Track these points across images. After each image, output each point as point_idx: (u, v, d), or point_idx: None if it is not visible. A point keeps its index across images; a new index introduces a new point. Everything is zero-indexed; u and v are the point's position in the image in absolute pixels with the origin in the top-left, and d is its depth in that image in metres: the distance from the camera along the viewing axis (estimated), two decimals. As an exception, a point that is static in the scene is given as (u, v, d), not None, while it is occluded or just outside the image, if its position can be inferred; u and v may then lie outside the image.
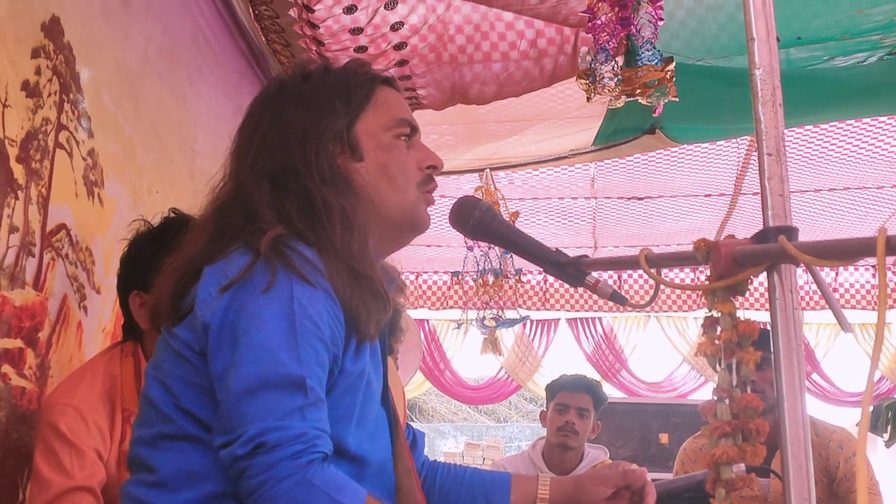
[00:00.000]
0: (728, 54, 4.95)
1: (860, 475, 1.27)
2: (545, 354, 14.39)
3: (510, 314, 8.47)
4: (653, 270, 1.77)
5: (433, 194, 2.32)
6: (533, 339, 14.34)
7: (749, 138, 7.16)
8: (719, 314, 1.65)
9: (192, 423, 1.94)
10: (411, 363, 7.74)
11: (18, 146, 2.71)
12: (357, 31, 4.75)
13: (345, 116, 2.20)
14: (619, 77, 3.88)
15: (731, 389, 1.61)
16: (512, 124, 6.56)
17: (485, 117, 6.22)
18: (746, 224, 9.43)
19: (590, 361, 14.21)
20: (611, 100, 4.00)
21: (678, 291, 12.09)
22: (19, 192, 2.74)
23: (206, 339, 1.91)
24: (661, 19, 3.86)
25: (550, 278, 12.22)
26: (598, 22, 3.88)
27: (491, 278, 8.18)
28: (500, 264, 8.17)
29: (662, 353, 14.63)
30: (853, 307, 11.64)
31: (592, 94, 3.94)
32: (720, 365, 1.64)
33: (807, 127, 7.02)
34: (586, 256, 2.05)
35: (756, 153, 1.68)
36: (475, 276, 8.25)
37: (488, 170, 7.75)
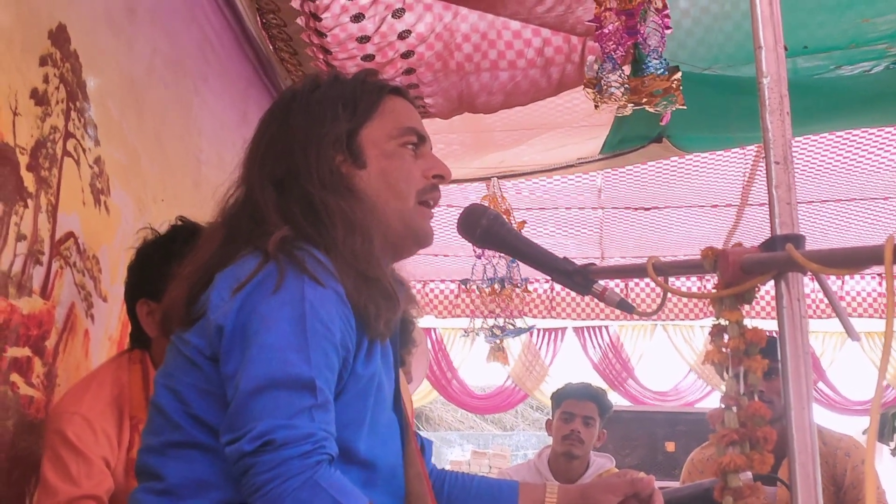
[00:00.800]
0: (734, 63, 4.95)
1: (869, 483, 1.27)
2: (552, 363, 14.38)
3: (517, 323, 8.46)
4: (660, 278, 1.77)
5: (439, 204, 2.32)
6: (540, 348, 14.33)
7: (755, 148, 7.16)
8: (727, 322, 1.65)
9: (202, 430, 1.94)
10: (419, 372, 7.73)
11: (29, 154, 2.72)
12: (364, 39, 4.75)
13: (347, 123, 2.22)
14: (626, 86, 3.88)
15: (739, 397, 1.61)
16: (519, 133, 6.56)
17: (492, 126, 6.22)
18: (753, 235, 9.42)
19: (596, 370, 14.20)
20: (618, 108, 4.00)
21: (685, 300, 12.07)
22: (29, 201, 2.74)
23: (219, 342, 1.91)
24: (669, 28, 3.86)
25: (557, 287, 12.22)
26: (605, 31, 3.88)
27: (498, 287, 8.18)
28: (508, 273, 8.17)
29: (669, 362, 14.62)
30: (860, 315, 11.62)
31: (600, 103, 3.95)
32: (728, 373, 1.64)
33: (813, 137, 7.01)
34: (594, 265, 2.04)
35: (762, 163, 1.68)
36: (484, 285, 8.24)
37: (495, 179, 7.75)
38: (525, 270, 8.27)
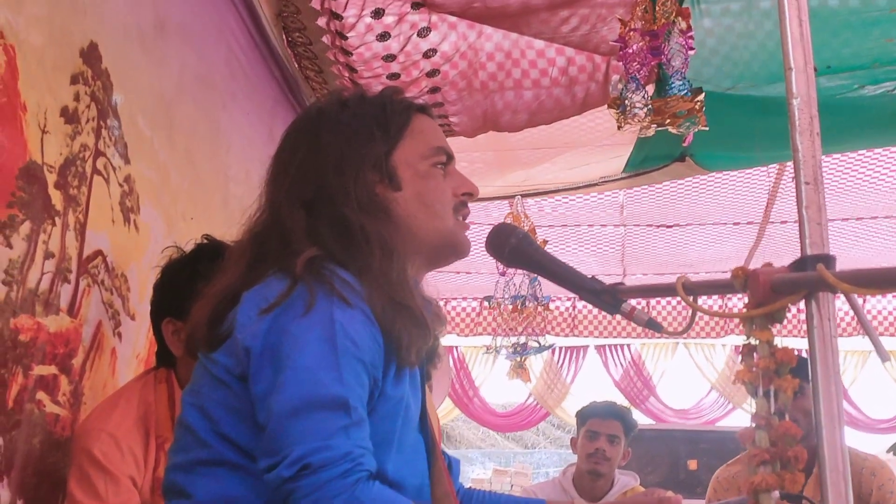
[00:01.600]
0: (758, 82, 4.95)
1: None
2: (573, 381, 14.37)
3: (539, 341, 8.46)
4: (689, 298, 1.77)
5: (467, 220, 2.32)
6: (561, 366, 14.32)
7: (777, 166, 7.16)
8: (757, 342, 1.65)
9: (230, 448, 1.93)
10: (441, 389, 7.73)
11: (57, 172, 2.73)
12: (390, 58, 4.77)
13: (383, 144, 2.20)
14: (650, 107, 3.88)
15: (770, 417, 1.61)
16: (542, 151, 6.57)
17: (516, 144, 6.23)
18: (775, 252, 9.40)
19: (618, 388, 14.19)
20: (641, 129, 4.01)
21: (706, 318, 12.04)
22: (56, 219, 2.75)
23: (247, 362, 1.91)
24: (692, 49, 3.87)
25: (579, 304, 12.21)
26: (629, 51, 3.89)
27: (521, 305, 8.18)
28: (530, 291, 8.17)
29: (690, 380, 14.61)
30: (881, 334, 11.59)
31: (623, 123, 3.95)
32: (758, 393, 1.64)
33: (837, 155, 7.00)
34: (622, 284, 2.05)
35: (785, 181, 1.69)
36: (509, 302, 8.25)
37: (519, 197, 7.76)
38: (547, 288, 8.27)
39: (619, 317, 2.08)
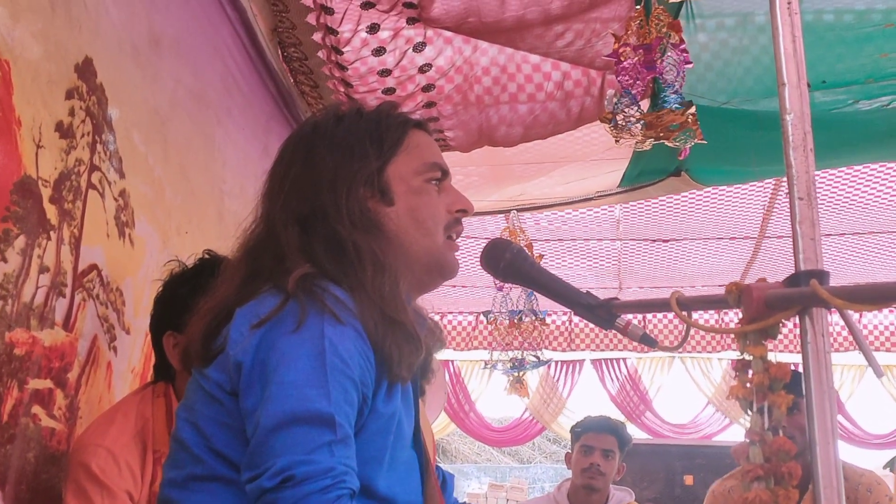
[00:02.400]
0: (753, 97, 4.97)
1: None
2: (570, 395, 14.35)
3: (538, 355, 8.46)
4: (684, 313, 1.77)
5: (460, 237, 2.32)
6: (557, 381, 14.30)
7: (773, 181, 7.17)
8: (751, 357, 1.65)
9: (224, 464, 1.93)
10: (436, 404, 7.74)
11: (52, 187, 2.73)
12: (385, 72, 4.79)
13: (376, 160, 2.20)
14: (643, 122, 3.89)
15: (764, 433, 1.61)
16: (538, 166, 6.58)
17: (511, 159, 6.24)
18: (772, 267, 9.43)
19: (614, 402, 14.17)
20: (636, 143, 4.02)
21: (702, 332, 12.05)
22: (52, 233, 2.75)
23: (238, 378, 1.91)
24: (689, 63, 3.87)
25: (575, 319, 12.22)
26: (623, 66, 3.90)
27: (518, 320, 8.18)
28: (527, 305, 8.18)
29: (687, 395, 14.58)
30: (877, 349, 11.60)
31: (619, 138, 3.96)
32: (752, 408, 1.64)
33: (832, 171, 7.02)
34: (616, 299, 2.05)
35: (781, 196, 1.69)
36: (506, 317, 8.25)
37: (514, 211, 7.77)
38: (543, 303, 8.28)
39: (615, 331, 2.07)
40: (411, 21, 4.61)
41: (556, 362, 13.75)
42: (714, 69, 4.78)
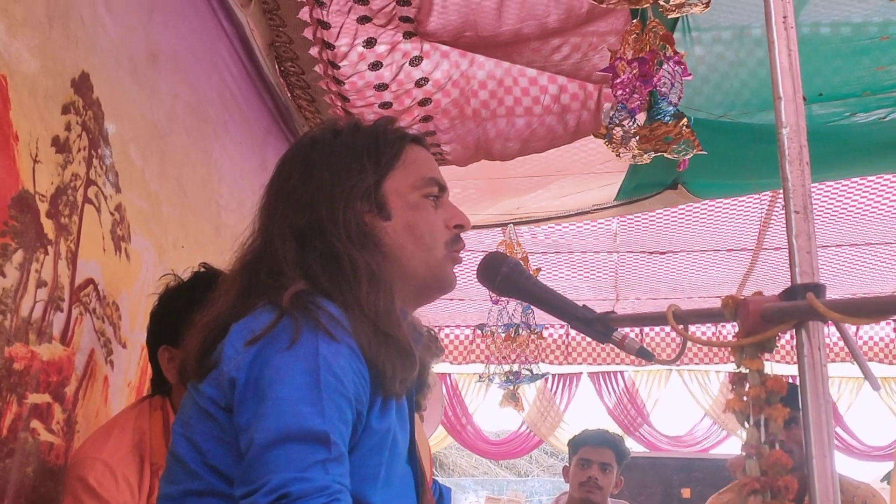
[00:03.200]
0: (750, 110, 4.97)
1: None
2: (567, 409, 14.34)
3: (532, 369, 8.46)
4: (680, 327, 1.77)
5: (460, 253, 2.32)
6: (555, 394, 14.29)
7: (770, 193, 7.17)
8: (747, 370, 1.65)
9: (220, 479, 1.92)
10: (434, 418, 7.72)
11: (48, 201, 2.73)
12: (382, 86, 4.79)
13: (373, 174, 2.20)
14: (636, 136, 3.90)
15: (760, 446, 1.61)
16: (535, 179, 6.59)
17: (508, 172, 6.24)
18: (769, 278, 9.43)
19: (611, 416, 14.16)
20: (633, 156, 4.02)
21: (700, 345, 12.05)
22: (49, 248, 2.75)
23: (232, 394, 1.90)
24: (689, 75, 3.88)
25: (572, 332, 12.21)
26: (619, 80, 3.90)
27: (514, 333, 8.18)
28: (524, 319, 8.18)
29: (684, 408, 14.57)
30: (871, 360, 11.59)
31: (616, 151, 3.97)
32: (749, 421, 1.64)
33: (829, 183, 7.03)
34: (613, 312, 2.05)
35: (778, 208, 1.70)
36: (503, 331, 8.25)
37: (511, 224, 7.77)
38: (540, 316, 8.28)
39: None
40: (408, 35, 4.62)
41: (553, 375, 13.75)
42: (710, 82, 4.79)
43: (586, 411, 14.49)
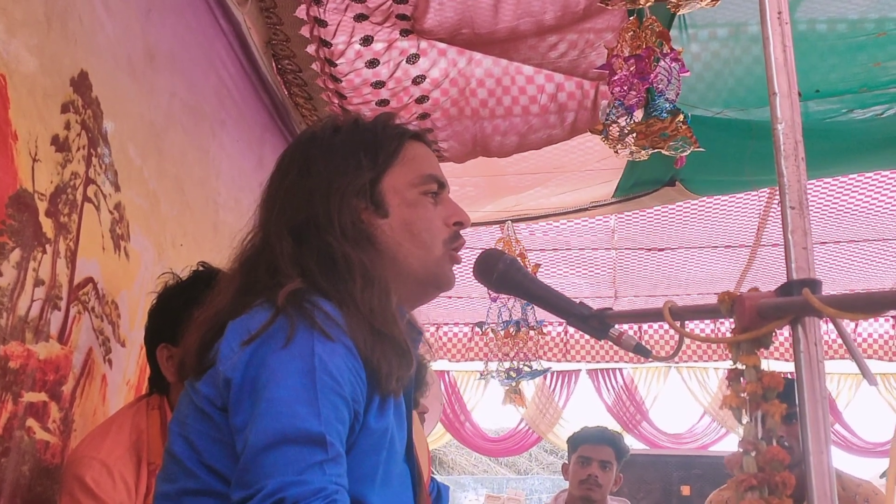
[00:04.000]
0: (746, 107, 4.97)
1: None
2: (566, 406, 14.33)
3: (533, 365, 8.45)
4: (676, 323, 1.77)
5: (460, 251, 2.32)
6: (553, 391, 14.28)
7: (768, 189, 7.18)
8: (744, 367, 1.65)
9: (216, 478, 1.91)
10: (432, 416, 7.71)
11: (47, 200, 2.74)
12: (379, 84, 4.80)
13: (370, 171, 2.20)
14: (634, 132, 3.90)
15: (757, 442, 1.61)
16: (533, 176, 6.59)
17: (506, 169, 6.24)
18: (766, 274, 9.43)
19: (610, 412, 14.15)
20: (631, 152, 4.02)
21: (698, 342, 12.05)
22: (47, 246, 2.75)
23: (227, 394, 1.89)
24: (686, 71, 3.88)
25: (571, 329, 12.20)
26: (615, 77, 3.90)
27: (513, 330, 8.18)
28: (523, 316, 8.17)
29: (683, 405, 14.57)
30: (869, 356, 11.59)
31: (616, 149, 3.97)
32: (746, 417, 1.64)
33: (826, 179, 7.03)
34: (610, 309, 2.04)
35: (776, 205, 1.70)
36: (499, 328, 8.24)
37: (509, 222, 7.77)
38: (540, 313, 8.28)
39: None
40: (405, 33, 4.63)
41: (552, 372, 13.74)
42: (706, 80, 4.79)
43: (585, 408, 14.50)
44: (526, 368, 8.42)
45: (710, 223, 8.28)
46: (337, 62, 4.66)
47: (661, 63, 3.81)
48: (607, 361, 13.02)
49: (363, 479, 1.91)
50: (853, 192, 7.41)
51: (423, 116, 5.08)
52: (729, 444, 14.04)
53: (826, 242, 8.63)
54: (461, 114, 5.13)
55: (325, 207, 2.13)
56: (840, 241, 8.69)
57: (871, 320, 11.57)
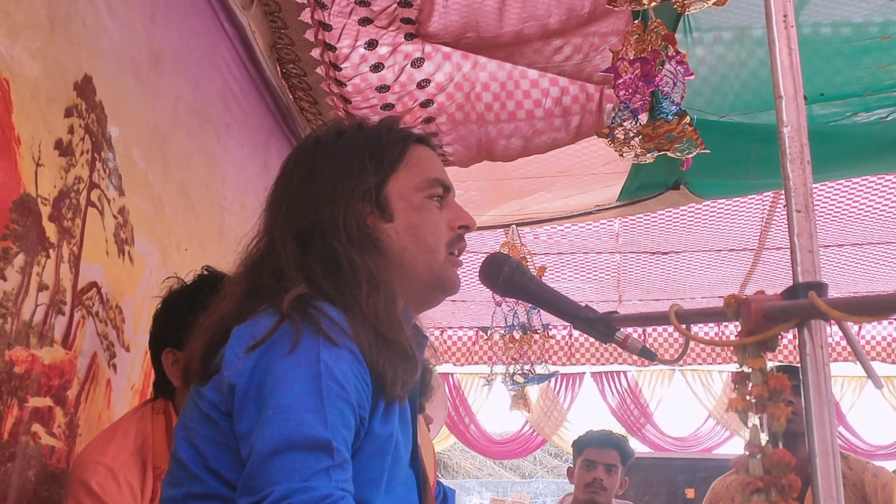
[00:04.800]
0: (752, 111, 4.97)
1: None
2: (570, 408, 14.34)
3: (538, 369, 8.45)
4: (682, 326, 1.77)
5: (462, 254, 2.31)
6: (558, 393, 14.28)
7: (772, 193, 7.17)
8: (750, 370, 1.65)
9: (221, 483, 1.91)
10: (437, 420, 7.72)
11: (51, 205, 2.73)
12: (384, 88, 4.80)
13: (375, 175, 2.19)
14: (640, 135, 3.89)
15: (763, 445, 1.61)
16: (537, 180, 6.59)
17: (510, 174, 6.24)
18: (771, 277, 9.44)
19: (615, 415, 14.15)
20: (636, 155, 4.02)
21: (703, 345, 12.04)
22: (51, 251, 2.75)
23: (232, 399, 1.89)
24: (691, 74, 3.88)
25: (576, 333, 12.22)
26: (620, 80, 3.90)
27: (518, 334, 8.17)
28: (528, 320, 8.17)
29: (688, 408, 14.56)
30: (874, 359, 11.59)
31: (619, 151, 3.96)
32: (752, 420, 1.64)
33: (830, 182, 7.03)
34: (616, 312, 2.04)
35: (780, 208, 1.70)
36: (503, 332, 8.24)
37: (514, 226, 7.77)
38: (545, 316, 8.28)
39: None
40: (409, 37, 4.63)
41: (557, 375, 13.74)
42: (711, 83, 4.79)
43: (590, 411, 14.51)
44: (541, 371, 8.42)
45: (714, 226, 8.28)
46: (341, 66, 4.66)
47: (667, 66, 3.81)
48: (611, 364, 13.02)
49: (368, 484, 1.91)
50: (858, 195, 7.40)
51: (428, 120, 5.08)
52: (733, 448, 14.03)
53: (829, 245, 8.63)
54: (466, 118, 5.13)
55: (331, 212, 2.12)
56: (844, 245, 8.69)
57: (875, 323, 11.57)
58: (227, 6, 4.26)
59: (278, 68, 4.96)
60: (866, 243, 8.67)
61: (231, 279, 2.22)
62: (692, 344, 1.82)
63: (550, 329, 8.47)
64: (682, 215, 7.90)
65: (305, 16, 4.39)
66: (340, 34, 4.48)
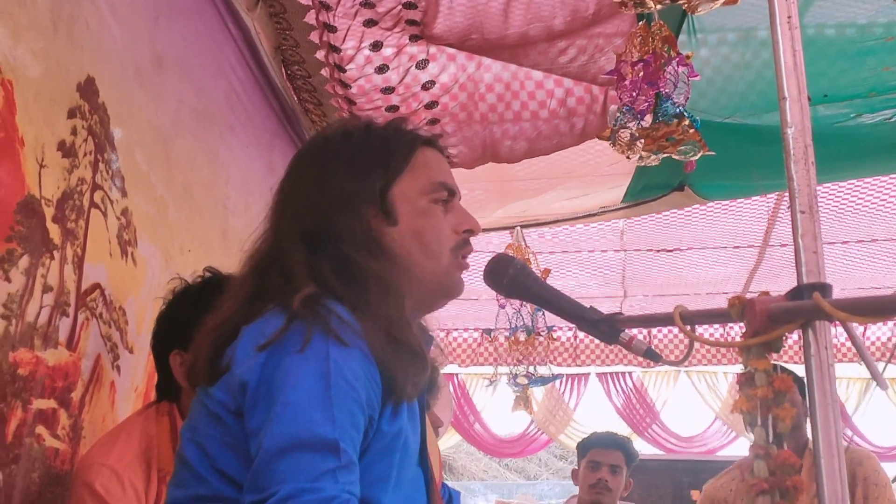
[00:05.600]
0: (756, 111, 4.97)
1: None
2: (576, 409, 14.34)
3: (542, 371, 8.45)
4: (687, 327, 1.77)
5: (468, 258, 2.31)
6: (563, 393, 14.30)
7: (776, 192, 7.17)
8: (755, 371, 1.65)
9: (228, 484, 1.91)
10: (445, 422, 7.69)
11: (54, 206, 2.73)
12: (389, 90, 4.79)
13: (381, 179, 2.19)
14: (642, 137, 3.89)
15: (768, 446, 1.61)
16: (542, 182, 6.59)
17: (515, 175, 6.24)
18: (775, 274, 9.45)
19: (620, 416, 14.16)
20: (640, 157, 4.01)
21: (708, 346, 12.04)
22: (55, 252, 2.75)
23: (242, 398, 1.89)
24: (696, 75, 3.87)
25: (581, 333, 12.22)
26: (624, 83, 3.90)
27: (522, 336, 8.17)
28: (533, 321, 8.17)
29: (693, 409, 14.56)
30: (878, 360, 11.59)
31: (623, 153, 3.96)
32: (756, 422, 1.63)
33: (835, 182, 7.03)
34: (620, 313, 2.04)
35: (784, 206, 1.69)
36: (507, 334, 8.24)
37: (519, 227, 7.77)
38: (550, 317, 8.28)
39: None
40: (414, 38, 4.62)
41: (562, 376, 13.74)
42: (716, 84, 4.78)
43: (595, 411, 14.51)
44: (543, 372, 8.42)
45: (719, 224, 8.29)
46: (346, 68, 4.66)
47: (669, 67, 3.80)
48: (616, 365, 13.03)
49: (377, 482, 1.91)
50: (862, 193, 7.40)
51: (433, 122, 5.07)
52: (738, 449, 14.02)
53: (834, 243, 8.63)
54: (470, 119, 5.13)
55: (338, 215, 2.12)
56: (849, 241, 8.68)
57: (879, 323, 11.56)
58: (232, 8, 4.27)
59: (283, 70, 4.95)
60: (871, 240, 8.67)
61: (235, 280, 2.22)
62: (697, 345, 1.82)
63: (555, 330, 8.46)
64: (686, 213, 7.90)
65: (310, 17, 4.39)
66: (345, 36, 4.48)
